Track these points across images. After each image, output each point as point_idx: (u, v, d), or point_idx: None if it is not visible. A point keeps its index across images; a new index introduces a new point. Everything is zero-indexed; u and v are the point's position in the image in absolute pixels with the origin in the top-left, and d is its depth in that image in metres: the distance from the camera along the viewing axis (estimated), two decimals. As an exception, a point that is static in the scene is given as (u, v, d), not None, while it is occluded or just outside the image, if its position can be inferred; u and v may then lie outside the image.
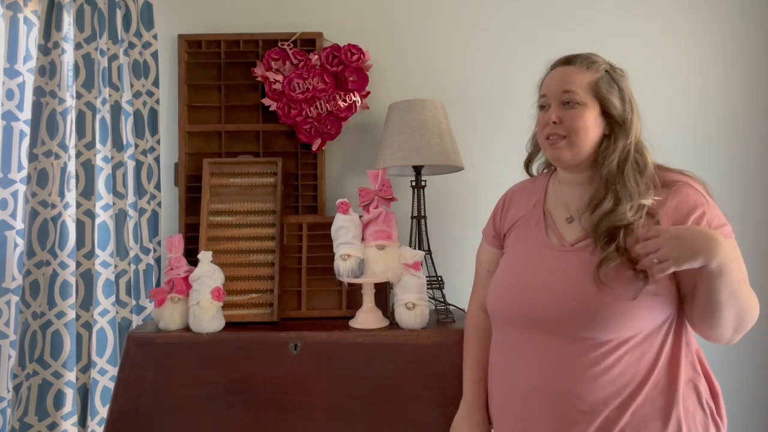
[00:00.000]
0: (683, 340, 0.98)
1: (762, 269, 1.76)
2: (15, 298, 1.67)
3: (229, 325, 1.46)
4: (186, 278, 1.48)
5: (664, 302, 0.95)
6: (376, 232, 1.46)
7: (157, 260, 1.75)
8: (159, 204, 1.75)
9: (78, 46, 1.67)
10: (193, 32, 1.81)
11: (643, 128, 1.04)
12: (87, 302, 1.64)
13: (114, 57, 1.70)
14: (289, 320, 1.55)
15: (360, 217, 1.51)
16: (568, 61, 1.05)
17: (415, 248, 1.61)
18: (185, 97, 1.79)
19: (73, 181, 1.69)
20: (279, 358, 1.35)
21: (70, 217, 1.69)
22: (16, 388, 1.58)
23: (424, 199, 1.66)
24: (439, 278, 1.62)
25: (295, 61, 1.76)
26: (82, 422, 1.63)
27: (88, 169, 1.66)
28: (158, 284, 1.73)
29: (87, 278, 1.64)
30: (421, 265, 1.47)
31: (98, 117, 1.70)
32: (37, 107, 1.64)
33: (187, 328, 1.44)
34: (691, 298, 0.95)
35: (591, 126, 1.01)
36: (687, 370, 0.97)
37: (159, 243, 1.75)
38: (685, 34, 1.87)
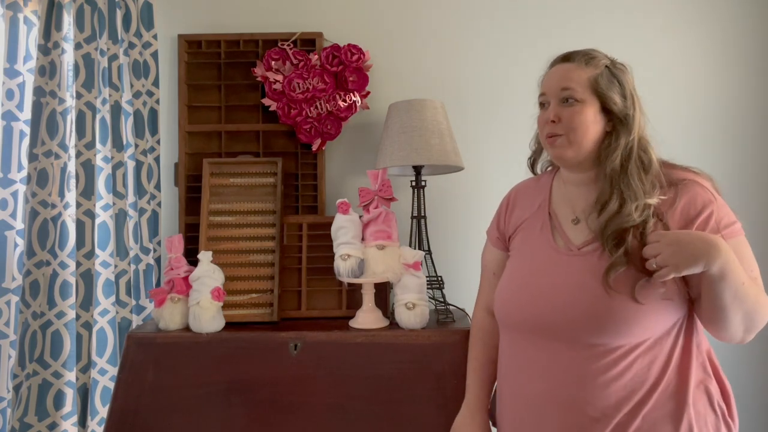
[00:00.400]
0: (693, 342, 0.96)
1: (762, 269, 1.74)
2: (15, 298, 1.67)
3: (229, 325, 1.46)
4: (186, 278, 1.48)
5: (675, 305, 0.93)
6: (376, 232, 1.46)
7: (157, 260, 1.75)
8: (159, 204, 1.75)
9: (78, 46, 1.67)
10: (193, 32, 1.81)
11: (648, 124, 1.02)
12: (87, 302, 1.64)
13: (114, 57, 1.70)
14: (289, 320, 1.55)
15: (360, 217, 1.51)
16: (567, 57, 1.03)
17: (415, 248, 1.61)
18: (185, 97, 1.79)
19: (73, 181, 1.69)
20: (279, 358, 1.35)
21: (70, 217, 1.69)
22: (16, 388, 1.58)
23: (424, 199, 1.66)
24: (439, 278, 1.62)
25: (295, 61, 1.76)
26: (82, 422, 1.63)
27: (88, 169, 1.66)
28: (158, 284, 1.73)
29: (87, 278, 1.64)
30: (421, 265, 1.47)
31: (98, 117, 1.70)
32: (37, 107, 1.64)
33: (187, 328, 1.44)
34: (698, 300, 0.94)
35: (590, 123, 0.98)
36: (698, 372, 0.95)
37: (159, 243, 1.75)
38: (684, 32, 1.86)
